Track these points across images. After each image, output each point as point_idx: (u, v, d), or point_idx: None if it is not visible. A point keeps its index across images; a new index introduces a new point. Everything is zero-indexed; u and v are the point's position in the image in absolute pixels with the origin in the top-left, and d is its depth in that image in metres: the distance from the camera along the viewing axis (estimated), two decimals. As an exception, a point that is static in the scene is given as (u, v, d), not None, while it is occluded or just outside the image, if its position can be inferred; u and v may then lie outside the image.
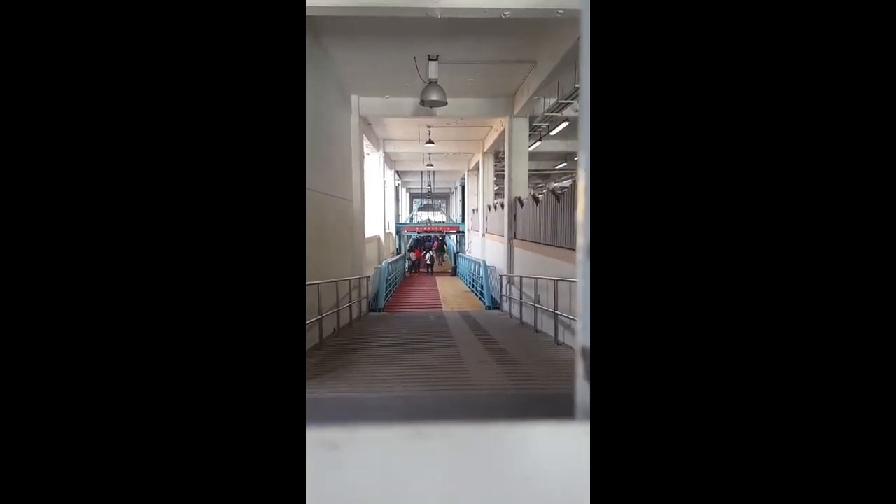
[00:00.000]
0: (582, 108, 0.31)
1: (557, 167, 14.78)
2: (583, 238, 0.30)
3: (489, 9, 4.15)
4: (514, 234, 8.31)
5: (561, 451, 0.27)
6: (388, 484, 0.25)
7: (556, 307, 4.98)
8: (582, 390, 0.31)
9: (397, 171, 17.53)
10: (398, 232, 18.04)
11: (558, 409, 0.32)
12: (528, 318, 6.42)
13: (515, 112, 8.05)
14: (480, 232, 12.88)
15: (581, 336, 0.31)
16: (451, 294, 12.07)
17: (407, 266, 17.25)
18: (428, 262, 17.80)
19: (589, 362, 0.31)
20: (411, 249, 18.39)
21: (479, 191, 13.12)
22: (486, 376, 3.85)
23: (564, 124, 9.02)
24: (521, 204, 7.95)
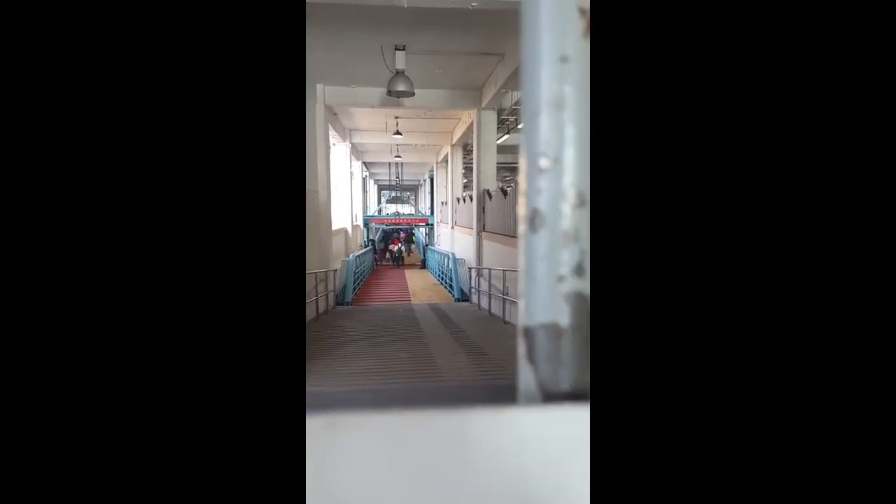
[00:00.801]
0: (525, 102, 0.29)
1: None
2: (524, 209, 0.29)
3: (456, -2, 4.11)
4: (483, 226, 8.34)
5: (507, 436, 0.26)
6: (386, 469, 0.24)
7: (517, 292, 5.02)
8: (525, 373, 0.30)
9: (364, 163, 17.30)
10: (366, 224, 17.86)
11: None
12: (496, 309, 6.47)
13: (483, 105, 8.05)
14: (450, 224, 12.89)
15: (523, 316, 0.29)
16: (420, 287, 12.05)
17: (386, 256, 17.21)
18: (397, 254, 17.73)
19: (534, 342, 0.29)
20: (383, 241, 18.28)
21: (448, 183, 13.11)
22: (456, 367, 3.86)
23: (532, 117, 9.09)
24: (490, 197, 7.99)
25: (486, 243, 8.27)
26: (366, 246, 16.19)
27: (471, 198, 9.10)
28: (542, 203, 0.28)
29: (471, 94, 8.16)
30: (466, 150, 12.22)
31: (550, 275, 0.28)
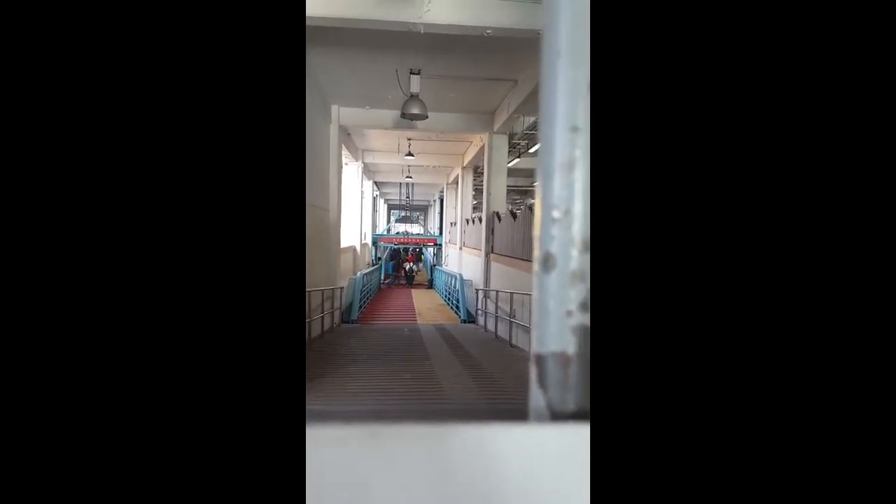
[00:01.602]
0: (544, 128, 0.32)
1: (535, 184, 14.98)
2: (538, 251, 0.33)
3: (472, 26, 4.24)
4: (492, 248, 8.38)
5: (518, 452, 0.28)
6: (384, 480, 0.25)
7: (531, 322, 5.01)
8: (535, 395, 0.33)
9: (376, 182, 17.50)
10: (374, 243, 17.95)
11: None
12: (503, 332, 6.46)
13: (495, 129, 8.18)
14: (458, 245, 12.93)
15: (534, 344, 0.33)
16: (426, 307, 12.04)
17: (391, 272, 17.18)
18: (409, 272, 17.79)
19: (545, 368, 0.33)
20: (394, 259, 18.33)
21: (458, 204, 13.21)
22: (460, 390, 3.84)
23: (542, 142, 9.19)
24: (499, 219, 8.04)
25: (493, 265, 8.29)
26: (374, 264, 16.25)
27: (480, 219, 9.16)
28: (554, 248, 0.33)
29: (483, 117, 8.30)
30: (477, 173, 12.35)
31: (560, 310, 0.33)
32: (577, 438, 0.31)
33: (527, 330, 5.12)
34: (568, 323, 0.33)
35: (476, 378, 4.24)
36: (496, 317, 6.96)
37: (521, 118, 8.21)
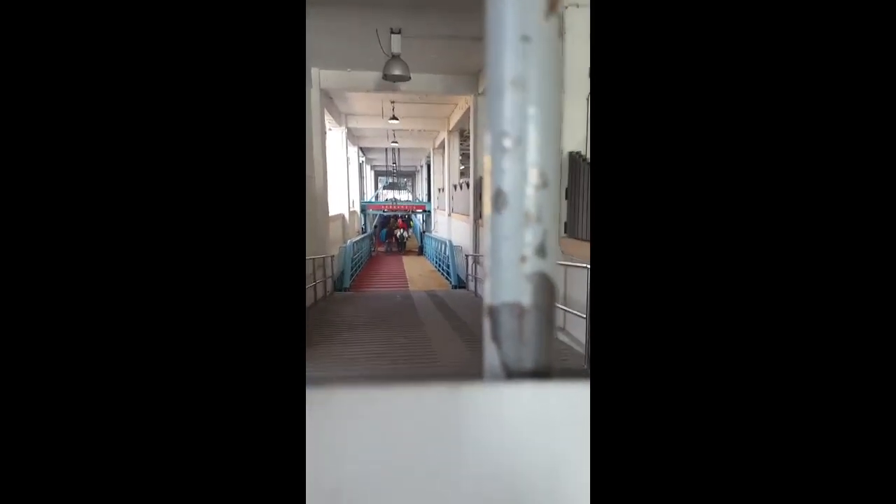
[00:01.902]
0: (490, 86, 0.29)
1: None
2: (488, 188, 0.29)
3: (452, -20, 4.04)
4: (480, 213, 8.34)
5: (471, 411, 0.28)
6: (385, 440, 0.26)
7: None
8: (489, 352, 0.30)
9: (361, 148, 17.17)
10: (363, 210, 17.79)
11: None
12: (492, 295, 6.48)
13: (480, 90, 7.98)
14: (447, 211, 12.85)
15: (487, 295, 0.30)
16: (417, 273, 12.07)
17: (384, 240, 17.27)
18: (401, 238, 17.80)
19: (498, 321, 0.30)
20: (380, 226, 18.33)
21: (445, 170, 13.04)
22: (452, 353, 3.89)
23: (529, 102, 9.01)
24: (487, 182, 7.95)
25: (482, 230, 8.27)
26: (363, 232, 16.17)
27: (468, 185, 9.05)
28: (506, 183, 0.28)
29: (467, 79, 8.08)
30: (463, 137, 12.13)
31: (513, 255, 0.28)
32: (533, 398, 0.28)
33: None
34: (522, 270, 0.28)
35: (468, 341, 4.28)
36: (486, 281, 6.97)
37: (508, 78, 7.99)
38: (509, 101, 0.27)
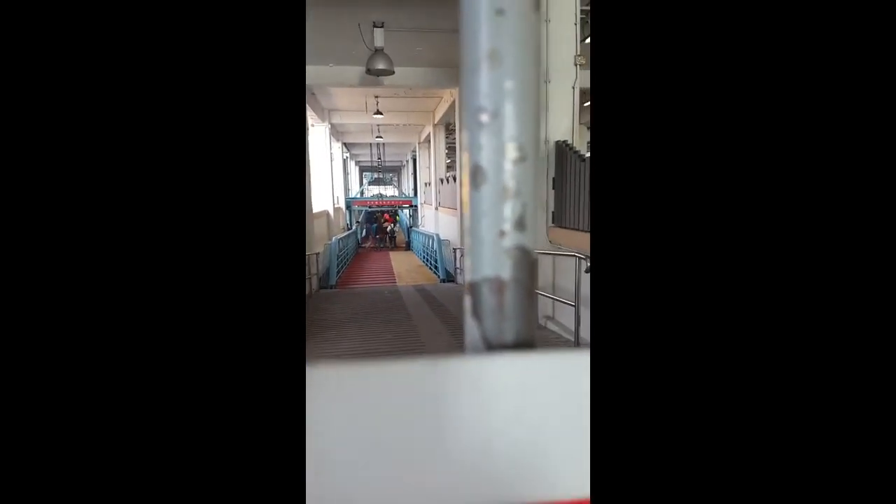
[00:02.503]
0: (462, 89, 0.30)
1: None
2: (466, 164, 0.29)
3: (434, -28, 4.02)
4: (466, 206, 8.33)
5: (454, 383, 0.29)
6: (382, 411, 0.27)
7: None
8: (470, 325, 0.31)
9: (345, 144, 17.04)
10: (348, 206, 17.68)
11: None
12: (480, 288, 6.51)
13: (465, 82, 7.95)
14: (433, 205, 12.84)
15: (468, 271, 0.31)
16: (405, 269, 12.05)
17: (375, 234, 17.19)
18: (390, 233, 17.74)
19: (479, 296, 0.30)
20: (372, 221, 18.25)
21: (431, 164, 13.00)
22: (441, 347, 3.90)
23: (513, 95, 9.00)
24: (472, 176, 7.95)
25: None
26: (348, 229, 16.07)
27: (454, 178, 9.03)
28: (484, 159, 0.28)
29: (452, 71, 8.05)
30: (449, 130, 12.10)
31: (493, 230, 0.29)
32: (516, 369, 0.28)
33: (504, 285, 5.16)
34: (502, 244, 0.28)
35: (457, 335, 4.30)
36: (474, 274, 7.00)
37: (491, 70, 7.98)
38: (485, 76, 0.27)
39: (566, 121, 4.42)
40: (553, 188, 4.48)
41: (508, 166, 0.28)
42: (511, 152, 0.28)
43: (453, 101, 8.62)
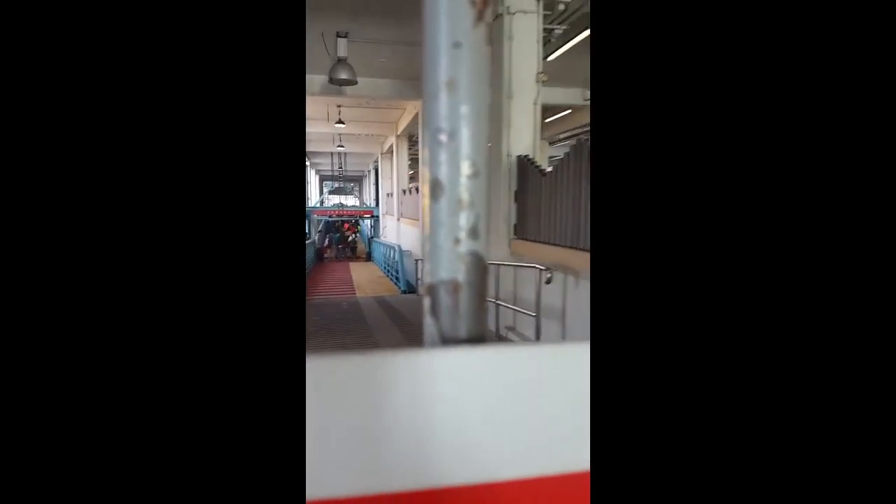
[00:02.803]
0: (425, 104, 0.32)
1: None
2: (427, 179, 0.32)
3: (398, -14, 4.08)
4: (428, 217, 8.35)
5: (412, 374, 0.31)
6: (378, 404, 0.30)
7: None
8: (428, 324, 0.34)
9: (306, 152, 16.79)
10: (307, 216, 17.38)
11: None
12: (441, 299, 6.52)
13: (428, 95, 8.02)
14: (395, 216, 12.81)
15: (426, 275, 0.34)
16: (365, 279, 11.92)
17: (336, 242, 16.83)
18: (351, 243, 17.48)
19: (436, 297, 0.33)
20: (334, 231, 17.90)
21: (394, 174, 13.00)
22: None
23: (476, 109, 9.15)
24: (435, 187, 7.99)
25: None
26: (307, 239, 15.78)
27: (417, 189, 9.07)
28: (443, 174, 0.32)
29: (415, 83, 8.12)
30: (412, 141, 12.16)
31: (449, 238, 0.32)
32: (470, 362, 0.31)
33: (465, 296, 5.22)
34: (457, 251, 0.32)
35: (415, 342, 4.28)
36: (435, 285, 7.00)
37: (454, 85, 8.09)
38: (444, 101, 0.31)
39: (528, 136, 4.54)
40: (515, 201, 4.57)
41: (463, 181, 0.31)
42: (466, 169, 0.31)
43: (416, 113, 8.68)
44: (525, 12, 4.02)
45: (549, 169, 3.95)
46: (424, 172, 0.32)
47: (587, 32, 5.17)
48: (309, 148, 16.11)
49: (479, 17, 0.31)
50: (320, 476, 0.29)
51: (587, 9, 4.39)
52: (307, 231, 16.90)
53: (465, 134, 0.31)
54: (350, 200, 24.78)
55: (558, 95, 8.31)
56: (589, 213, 3.36)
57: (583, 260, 3.41)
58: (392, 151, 13.00)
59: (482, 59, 0.31)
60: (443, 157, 0.31)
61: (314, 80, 7.51)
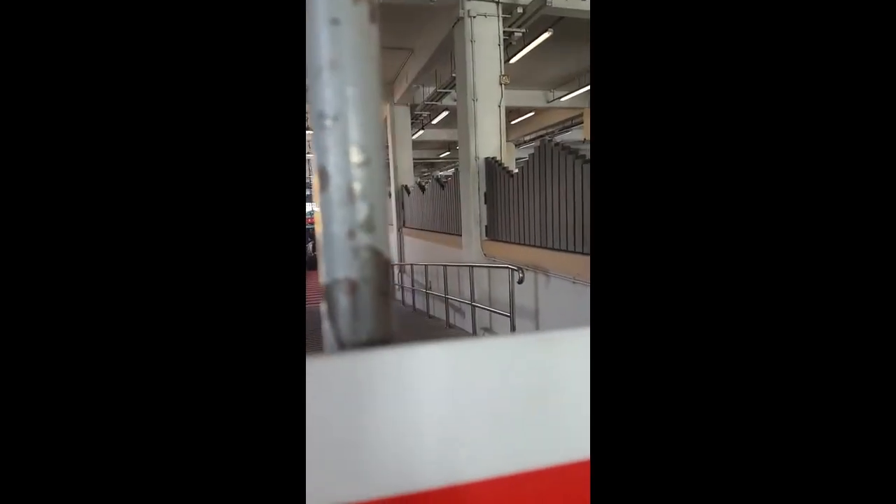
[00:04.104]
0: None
1: (441, 156, 15.06)
2: (315, 168, 0.30)
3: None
4: (403, 222, 8.33)
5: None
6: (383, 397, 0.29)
7: (446, 292, 5.09)
8: (325, 330, 0.33)
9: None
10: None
11: None
12: (420, 304, 6.50)
13: (396, 100, 8.01)
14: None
15: (322, 275, 0.32)
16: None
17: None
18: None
19: (333, 300, 0.31)
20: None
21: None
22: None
23: (445, 113, 9.20)
24: (408, 192, 7.98)
25: (407, 239, 8.26)
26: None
27: (389, 194, 9.03)
28: (330, 162, 0.29)
29: (383, 88, 8.08)
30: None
31: (341, 231, 0.29)
32: (373, 366, 0.28)
33: (443, 300, 5.20)
34: (350, 245, 0.29)
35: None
36: (413, 290, 6.97)
37: (421, 88, 8.11)
38: (327, 82, 0.28)
39: (494, 138, 4.56)
40: (485, 202, 4.58)
41: (353, 169, 0.29)
42: (355, 156, 0.29)
43: (384, 119, 8.65)
44: (485, 16, 4.03)
45: (516, 171, 3.98)
46: (312, 161, 0.29)
47: (546, 35, 5.24)
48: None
49: (361, -9, 0.28)
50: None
51: (545, 12, 4.44)
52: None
53: (352, 118, 0.29)
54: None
55: (521, 98, 8.40)
56: (555, 214, 3.40)
57: (552, 259, 3.43)
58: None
59: (366, 39, 0.29)
60: (329, 142, 0.29)
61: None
